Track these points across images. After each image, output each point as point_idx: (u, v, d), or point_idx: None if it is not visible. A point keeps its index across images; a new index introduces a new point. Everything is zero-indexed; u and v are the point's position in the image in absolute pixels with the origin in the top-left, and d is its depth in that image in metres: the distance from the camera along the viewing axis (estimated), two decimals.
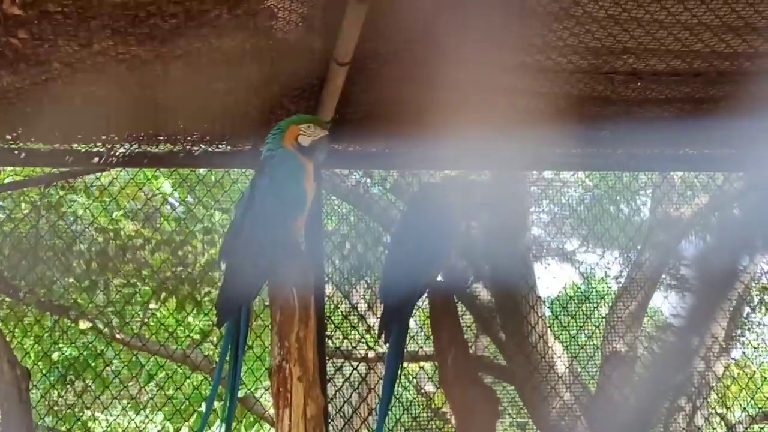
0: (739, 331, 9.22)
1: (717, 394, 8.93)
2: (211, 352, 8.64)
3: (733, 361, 9.21)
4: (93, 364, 8.12)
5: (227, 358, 4.17)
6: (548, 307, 9.07)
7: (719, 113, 5.25)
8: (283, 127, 4.27)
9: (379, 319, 4.66)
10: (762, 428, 8.90)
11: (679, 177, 8.66)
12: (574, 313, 8.36)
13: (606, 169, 7.43)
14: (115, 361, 8.34)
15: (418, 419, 7.92)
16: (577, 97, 5.09)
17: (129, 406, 8.67)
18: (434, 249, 4.48)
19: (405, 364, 8.22)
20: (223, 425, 4.12)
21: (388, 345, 4.55)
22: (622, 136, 5.55)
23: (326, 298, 6.79)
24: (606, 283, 9.96)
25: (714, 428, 8.93)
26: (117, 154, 5.36)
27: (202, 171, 8.02)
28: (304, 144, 4.21)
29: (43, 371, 8.22)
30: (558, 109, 5.22)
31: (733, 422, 8.98)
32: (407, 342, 4.49)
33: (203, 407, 8.84)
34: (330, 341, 7.24)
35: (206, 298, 8.39)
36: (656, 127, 5.36)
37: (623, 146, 5.71)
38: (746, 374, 9.11)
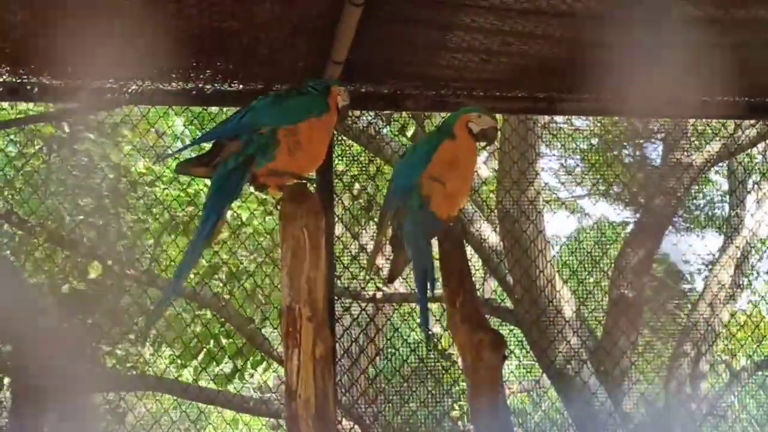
0: (746, 280, 9.25)
1: (723, 341, 8.97)
2: (219, 290, 8.69)
3: (740, 309, 9.24)
4: (102, 299, 8.18)
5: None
6: (557, 252, 9.10)
7: (733, 60, 5.23)
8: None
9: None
10: (767, 376, 8.95)
11: (691, 124, 8.64)
12: (582, 257, 8.38)
13: (619, 114, 7.41)
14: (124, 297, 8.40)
15: (425, 360, 7.98)
16: (590, 42, 5.07)
17: (137, 341, 8.75)
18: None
19: (412, 305, 8.28)
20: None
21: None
22: (635, 81, 5.53)
23: (335, 239, 6.81)
24: (615, 229, 9.98)
25: (719, 375, 8.99)
26: (129, 90, 5.36)
27: (213, 109, 8.01)
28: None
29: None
30: (570, 53, 5.20)
31: (738, 369, 9.03)
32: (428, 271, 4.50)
33: (212, 344, 8.92)
34: (338, 281, 7.27)
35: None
36: (669, 73, 5.35)
37: (636, 92, 5.69)
38: (753, 322, 9.14)
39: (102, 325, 8.24)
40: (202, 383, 9.25)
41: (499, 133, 5.23)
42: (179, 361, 9.00)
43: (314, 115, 4.12)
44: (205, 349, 8.83)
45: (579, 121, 8.96)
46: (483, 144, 4.73)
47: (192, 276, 8.52)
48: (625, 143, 9.11)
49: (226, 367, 9.17)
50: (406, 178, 4.45)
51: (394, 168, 4.61)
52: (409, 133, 8.71)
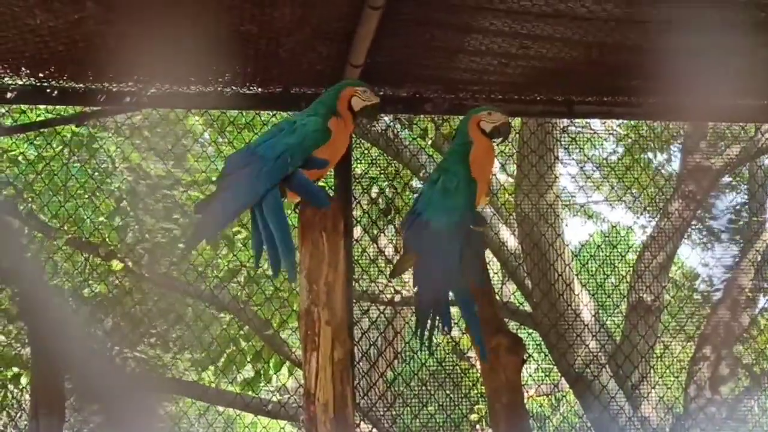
0: (766, 284, 9.19)
1: (743, 345, 8.93)
2: (238, 293, 8.69)
3: (761, 312, 9.18)
4: (122, 302, 8.20)
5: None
6: (575, 255, 9.08)
7: (755, 64, 5.22)
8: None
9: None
10: None
11: (710, 127, 8.61)
12: (601, 261, 8.36)
13: (637, 118, 7.40)
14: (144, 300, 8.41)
15: (443, 363, 7.97)
16: (611, 45, 5.06)
17: (157, 343, 8.77)
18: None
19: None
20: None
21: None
22: (654, 85, 5.52)
23: (354, 242, 6.81)
24: (634, 233, 9.96)
25: (739, 379, 8.95)
26: (148, 94, 5.38)
27: (233, 112, 8.02)
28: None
29: (73, 308, 8.28)
30: (590, 57, 5.20)
31: (758, 373, 8.98)
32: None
33: (232, 347, 8.92)
34: (357, 285, 7.27)
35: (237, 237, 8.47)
36: (689, 76, 5.33)
37: (655, 95, 5.68)
38: None
39: (122, 327, 8.27)
40: (221, 386, 9.27)
41: (511, 127, 5.20)
42: (199, 367, 9.01)
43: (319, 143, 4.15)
44: (224, 353, 8.83)
45: (598, 125, 8.93)
46: (499, 140, 4.72)
47: (211, 278, 8.54)
48: (644, 147, 9.09)
49: (246, 371, 9.19)
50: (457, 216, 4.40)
51: (428, 197, 4.52)
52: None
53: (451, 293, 4.42)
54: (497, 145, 4.72)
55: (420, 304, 4.39)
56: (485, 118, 4.46)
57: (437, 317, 4.30)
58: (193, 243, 4.31)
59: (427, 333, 4.30)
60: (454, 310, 4.55)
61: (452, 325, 4.51)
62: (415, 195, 4.85)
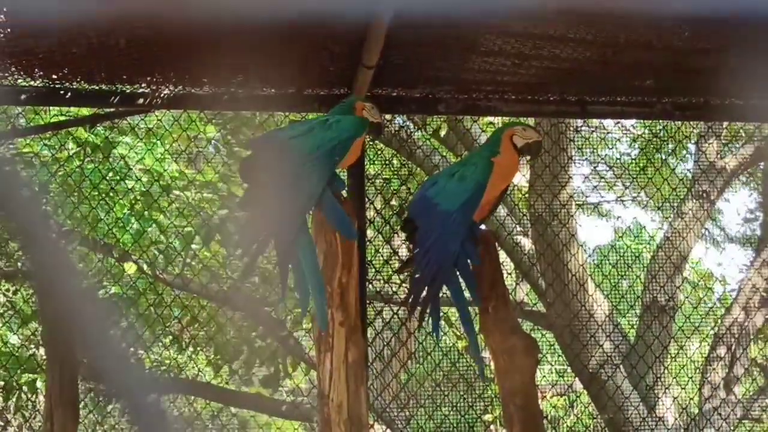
0: None
1: (757, 344, 8.91)
2: (253, 293, 8.69)
3: None
4: (136, 303, 8.21)
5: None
6: (589, 256, 9.06)
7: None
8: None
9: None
10: None
11: (724, 127, 8.58)
12: (615, 261, 8.35)
13: (651, 118, 7.38)
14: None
15: (457, 364, 7.97)
16: (624, 45, 5.05)
17: (171, 345, 8.78)
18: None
19: (445, 310, 8.24)
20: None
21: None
22: (667, 84, 5.50)
23: (367, 242, 6.81)
24: (648, 233, 9.93)
25: (753, 378, 8.93)
26: (161, 95, 5.38)
27: (246, 113, 8.03)
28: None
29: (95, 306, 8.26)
30: (604, 57, 5.18)
31: None
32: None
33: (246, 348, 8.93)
34: (370, 285, 7.27)
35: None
36: (702, 76, 5.32)
37: (669, 95, 5.66)
38: None
39: (137, 328, 8.28)
40: (233, 387, 9.27)
41: (542, 147, 5.25)
42: (213, 368, 9.02)
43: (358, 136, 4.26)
44: (238, 353, 8.83)
45: (612, 125, 8.91)
46: (527, 158, 4.77)
47: (225, 279, 8.54)
48: (658, 147, 9.07)
49: (260, 371, 9.18)
50: (461, 216, 4.42)
51: (442, 186, 4.55)
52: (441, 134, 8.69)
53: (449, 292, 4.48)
54: (525, 162, 4.77)
55: (415, 281, 4.43)
56: (519, 133, 4.52)
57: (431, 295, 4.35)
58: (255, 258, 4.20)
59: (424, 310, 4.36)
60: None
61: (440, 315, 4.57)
62: (424, 183, 4.87)
